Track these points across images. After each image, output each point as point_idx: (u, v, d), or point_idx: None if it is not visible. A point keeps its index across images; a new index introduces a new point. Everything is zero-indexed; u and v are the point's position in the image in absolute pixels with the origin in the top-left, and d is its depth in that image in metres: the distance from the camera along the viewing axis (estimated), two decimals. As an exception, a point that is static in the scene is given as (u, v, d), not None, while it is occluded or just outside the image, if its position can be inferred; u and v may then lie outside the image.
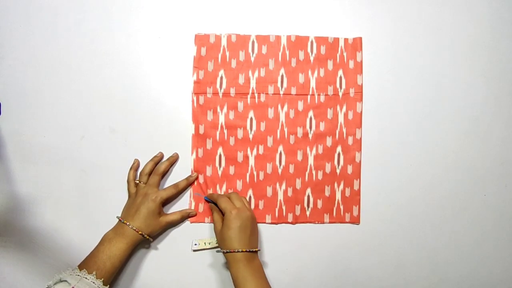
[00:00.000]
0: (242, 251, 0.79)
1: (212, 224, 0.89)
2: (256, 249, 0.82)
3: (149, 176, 0.89)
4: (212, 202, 0.89)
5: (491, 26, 0.97)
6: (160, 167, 0.89)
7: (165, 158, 0.91)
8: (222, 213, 0.84)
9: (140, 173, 0.90)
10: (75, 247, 0.88)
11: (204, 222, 0.91)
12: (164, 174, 0.90)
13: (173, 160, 0.91)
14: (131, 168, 0.90)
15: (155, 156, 0.91)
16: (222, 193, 0.92)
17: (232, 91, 0.93)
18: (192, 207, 0.91)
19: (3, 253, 0.86)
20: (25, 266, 0.86)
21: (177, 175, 0.92)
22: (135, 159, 0.91)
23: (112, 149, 0.91)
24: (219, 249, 0.83)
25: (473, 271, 0.94)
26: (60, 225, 0.88)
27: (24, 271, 0.86)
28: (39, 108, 0.90)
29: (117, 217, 0.85)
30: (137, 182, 0.89)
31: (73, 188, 0.89)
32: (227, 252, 0.79)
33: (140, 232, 0.82)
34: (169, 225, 0.89)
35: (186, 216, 0.90)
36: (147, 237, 0.83)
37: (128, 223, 0.82)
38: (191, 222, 0.91)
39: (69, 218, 0.89)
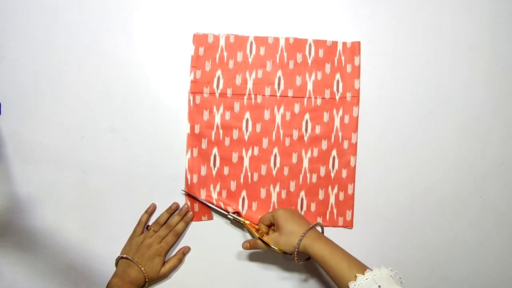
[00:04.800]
0: (309, 228, 0.79)
1: (207, 222, 0.93)
2: (313, 224, 0.81)
3: (162, 227, 0.90)
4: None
5: (491, 27, 0.96)
6: (178, 228, 0.90)
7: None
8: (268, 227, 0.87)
9: (156, 221, 0.91)
10: (75, 247, 0.90)
11: (201, 220, 0.93)
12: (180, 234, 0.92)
13: (188, 220, 0.92)
14: (145, 212, 0.92)
15: (169, 208, 0.92)
16: (216, 193, 0.93)
17: (229, 91, 0.93)
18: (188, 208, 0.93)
19: (3, 253, 0.89)
20: (25, 266, 0.89)
21: (173, 176, 0.93)
22: (152, 204, 0.92)
23: (112, 149, 0.92)
24: (294, 252, 0.80)
25: (473, 271, 0.95)
26: (60, 225, 0.90)
27: (24, 271, 0.88)
28: (39, 108, 0.91)
29: (121, 257, 0.87)
30: (149, 227, 0.90)
31: (73, 188, 0.91)
32: (300, 241, 0.78)
33: (145, 276, 0.85)
34: (170, 272, 0.90)
35: (182, 257, 0.91)
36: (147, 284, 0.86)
37: (138, 263, 0.85)
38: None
39: (69, 218, 0.91)
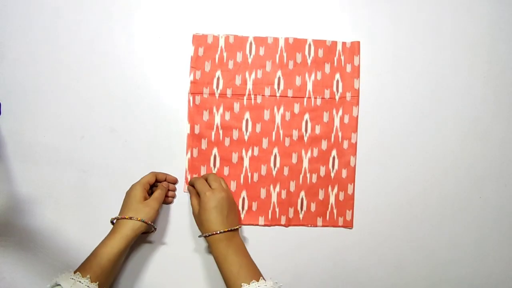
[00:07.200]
0: (222, 232, 0.79)
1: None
2: (236, 227, 0.82)
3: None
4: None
5: (491, 27, 0.96)
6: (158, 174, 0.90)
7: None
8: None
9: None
10: (75, 247, 0.90)
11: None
12: (154, 183, 0.90)
13: (171, 180, 0.92)
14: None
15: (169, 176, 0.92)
16: None
17: (229, 92, 0.94)
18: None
19: (3, 253, 0.89)
20: (25, 266, 0.88)
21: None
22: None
23: (112, 149, 0.92)
24: (200, 234, 0.83)
25: (473, 271, 0.95)
26: (60, 225, 0.90)
27: (24, 271, 0.88)
28: (39, 108, 0.91)
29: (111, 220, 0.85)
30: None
31: (73, 188, 0.91)
32: (207, 235, 0.79)
33: (137, 218, 0.80)
34: (157, 203, 0.84)
35: (167, 187, 0.90)
36: (145, 222, 0.81)
37: (119, 216, 0.82)
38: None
39: (69, 218, 0.90)
